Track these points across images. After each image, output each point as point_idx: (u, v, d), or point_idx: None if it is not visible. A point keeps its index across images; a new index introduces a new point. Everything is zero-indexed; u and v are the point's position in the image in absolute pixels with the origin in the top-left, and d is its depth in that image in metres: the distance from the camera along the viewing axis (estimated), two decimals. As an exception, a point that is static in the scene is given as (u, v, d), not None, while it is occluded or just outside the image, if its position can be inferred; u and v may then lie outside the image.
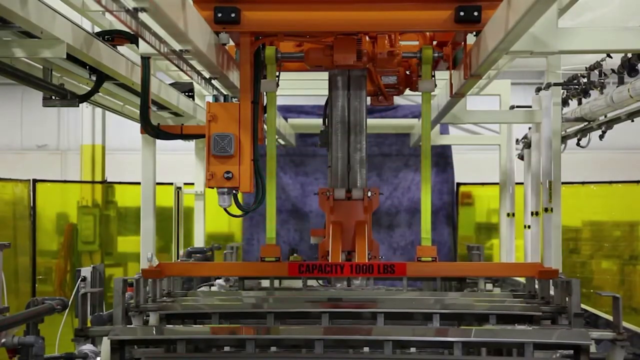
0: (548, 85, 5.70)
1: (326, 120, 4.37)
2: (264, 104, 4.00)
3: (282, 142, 7.44)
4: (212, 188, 3.51)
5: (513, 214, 7.50)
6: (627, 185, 8.06)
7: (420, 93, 4.12)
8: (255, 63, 3.68)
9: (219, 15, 3.25)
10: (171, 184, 7.80)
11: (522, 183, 7.64)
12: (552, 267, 3.58)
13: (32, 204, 8.21)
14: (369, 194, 3.94)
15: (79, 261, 8.59)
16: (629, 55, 5.13)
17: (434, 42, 4.06)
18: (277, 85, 3.89)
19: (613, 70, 5.73)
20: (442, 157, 7.66)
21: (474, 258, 5.61)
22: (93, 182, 10.57)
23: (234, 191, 3.51)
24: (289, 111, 7.85)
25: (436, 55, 3.85)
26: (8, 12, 2.71)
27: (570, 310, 3.34)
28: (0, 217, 7.44)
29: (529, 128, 7.28)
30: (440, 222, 7.44)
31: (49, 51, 3.31)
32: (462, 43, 3.86)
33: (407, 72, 4.48)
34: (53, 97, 4.01)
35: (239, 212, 4.09)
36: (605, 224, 8.50)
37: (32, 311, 3.18)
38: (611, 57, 5.42)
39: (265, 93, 3.95)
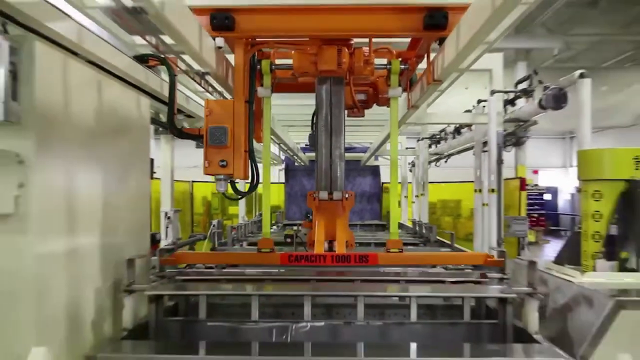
0: (422, 139, 11.61)
1: (314, 126, 4.47)
2: (261, 107, 4.09)
3: (303, 162, 12.39)
4: (210, 175, 3.55)
5: (406, 196, 13.39)
6: (457, 184, 14.26)
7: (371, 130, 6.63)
8: (251, 66, 3.78)
9: (214, 21, 3.41)
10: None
11: (411, 182, 13.66)
12: (497, 259, 3.60)
13: (191, 192, 15.39)
14: (347, 195, 4.14)
15: (211, 217, 15.10)
16: (457, 125, 9.98)
17: (400, 59, 4.08)
18: (272, 91, 4.01)
19: (452, 131, 10.75)
20: (375, 171, 11.69)
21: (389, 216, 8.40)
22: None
23: (230, 178, 3.58)
24: (305, 150, 12.27)
25: (402, 67, 3.96)
26: (181, 107, 4.87)
27: (431, 239, 6.02)
28: (179, 198, 12.26)
29: (414, 157, 13.40)
30: (375, 201, 11.26)
31: (199, 124, 5.71)
32: (425, 55, 4.14)
33: (374, 93, 4.83)
34: (198, 144, 6.01)
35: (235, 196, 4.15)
36: (448, 201, 15.23)
37: (190, 240, 5.04)
38: (449, 125, 10.52)
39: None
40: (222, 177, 3.52)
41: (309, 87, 4.47)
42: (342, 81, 4.19)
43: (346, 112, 4.49)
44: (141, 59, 3.61)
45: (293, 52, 3.92)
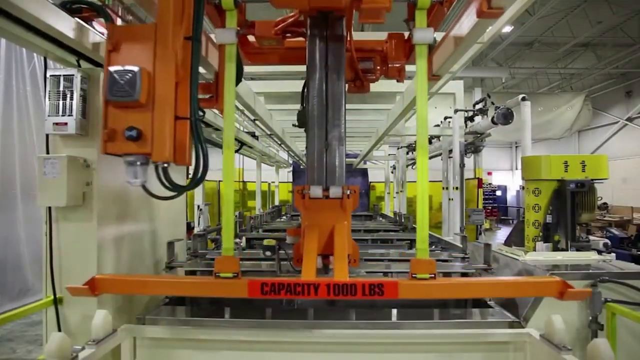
0: (401, 147, 10.77)
1: (304, 100, 2.66)
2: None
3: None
4: (112, 155, 1.81)
5: (388, 193, 13.25)
6: (431, 182, 13.74)
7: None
8: None
9: None
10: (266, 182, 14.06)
11: (392, 181, 13.32)
12: (583, 290, 2.18)
13: (218, 189, 13.21)
14: (348, 192, 2.35)
15: (234, 210, 14.14)
16: (429, 136, 9.91)
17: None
18: (238, 34, 2.12)
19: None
20: (365, 172, 12.13)
21: (376, 208, 8.47)
22: (239, 181, 14.58)
23: (148, 161, 1.83)
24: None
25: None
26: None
27: (408, 226, 5.56)
28: (209, 194, 11.80)
29: (395, 162, 12.97)
30: (364, 197, 11.47)
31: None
32: None
33: (383, 61, 2.75)
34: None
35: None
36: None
37: (217, 227, 4.58)
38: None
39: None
40: (132, 158, 1.80)
41: (299, 57, 2.58)
42: (341, 25, 2.40)
43: (346, 85, 2.63)
44: (73, 9, 2.18)
45: None
